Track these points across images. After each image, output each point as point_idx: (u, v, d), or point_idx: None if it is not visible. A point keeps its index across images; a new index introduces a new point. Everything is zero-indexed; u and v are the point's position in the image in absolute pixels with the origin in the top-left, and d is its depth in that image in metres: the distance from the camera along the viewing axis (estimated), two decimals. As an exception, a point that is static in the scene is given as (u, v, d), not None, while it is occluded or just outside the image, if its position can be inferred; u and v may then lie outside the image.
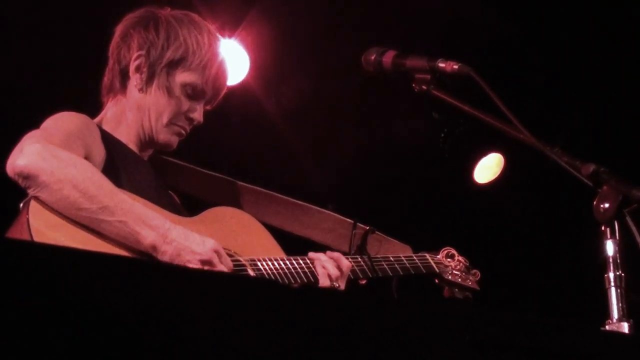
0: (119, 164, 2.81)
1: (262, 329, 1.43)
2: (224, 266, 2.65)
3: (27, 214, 2.50)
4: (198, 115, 2.99)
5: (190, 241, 2.60)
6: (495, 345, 1.60)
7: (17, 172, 2.53)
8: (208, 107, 3.05)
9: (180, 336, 1.38)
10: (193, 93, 2.96)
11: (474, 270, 3.46)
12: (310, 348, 1.46)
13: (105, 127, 2.93)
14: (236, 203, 3.20)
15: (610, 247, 2.26)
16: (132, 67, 2.94)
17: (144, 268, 1.43)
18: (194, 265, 2.57)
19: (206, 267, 2.57)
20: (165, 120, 2.94)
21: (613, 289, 2.24)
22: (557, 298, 5.57)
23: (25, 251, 1.34)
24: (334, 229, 3.34)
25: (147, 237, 2.56)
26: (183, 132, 2.99)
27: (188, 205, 3.07)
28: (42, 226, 2.50)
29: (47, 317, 1.30)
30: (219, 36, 3.05)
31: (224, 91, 3.08)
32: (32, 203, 2.53)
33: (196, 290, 1.41)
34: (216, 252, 2.63)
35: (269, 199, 3.30)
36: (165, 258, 2.56)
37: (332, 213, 3.36)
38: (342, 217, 3.35)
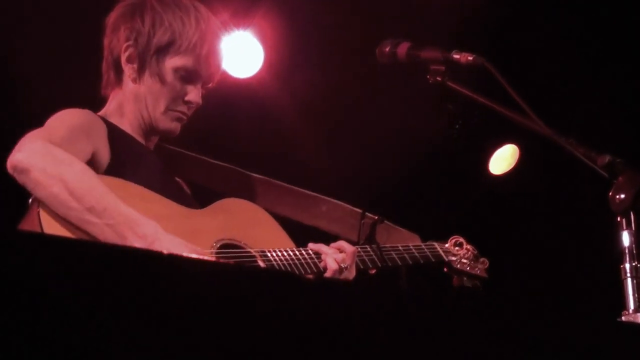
0: (125, 156, 2.80)
1: (272, 320, 1.43)
2: None
3: (38, 207, 2.51)
4: (195, 97, 2.95)
5: None
6: (508, 336, 1.59)
7: (12, 166, 2.54)
8: (210, 86, 3.02)
9: (188, 328, 1.37)
10: (187, 76, 2.93)
11: (483, 259, 3.47)
12: (321, 340, 1.45)
13: (110, 120, 2.92)
14: (246, 194, 3.19)
15: (626, 238, 2.26)
16: (123, 59, 2.93)
17: (150, 258, 1.43)
18: None
19: None
20: (162, 107, 2.92)
21: (629, 280, 2.24)
22: (573, 289, 5.55)
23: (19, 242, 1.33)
24: (343, 218, 3.33)
25: (133, 244, 2.51)
26: (183, 117, 2.97)
27: (199, 196, 3.06)
28: (52, 221, 2.50)
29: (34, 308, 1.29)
30: (211, 15, 2.98)
31: (221, 69, 3.04)
32: None
33: (205, 281, 1.40)
34: None
35: (278, 190, 3.29)
36: None
37: (340, 203, 3.35)
38: (350, 207, 3.34)
